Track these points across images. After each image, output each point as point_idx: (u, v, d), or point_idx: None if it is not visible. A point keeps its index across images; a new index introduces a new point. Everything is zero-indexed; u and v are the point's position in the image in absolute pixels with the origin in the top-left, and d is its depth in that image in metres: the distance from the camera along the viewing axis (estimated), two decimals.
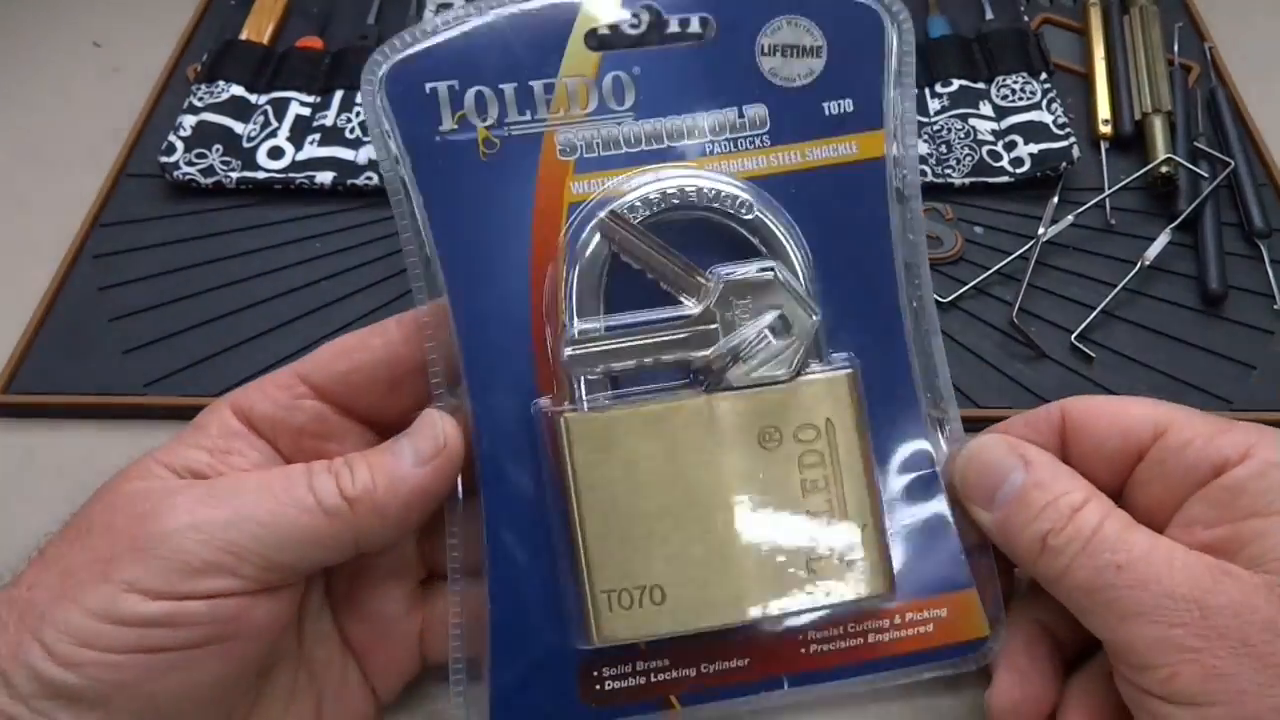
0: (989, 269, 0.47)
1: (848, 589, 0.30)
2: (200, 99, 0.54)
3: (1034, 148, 0.51)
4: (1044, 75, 0.54)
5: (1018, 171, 0.50)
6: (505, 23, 0.30)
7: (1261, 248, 0.48)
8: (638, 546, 0.29)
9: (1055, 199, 0.49)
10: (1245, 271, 0.47)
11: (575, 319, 0.30)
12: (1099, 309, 0.45)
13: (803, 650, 0.32)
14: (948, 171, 0.51)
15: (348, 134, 0.53)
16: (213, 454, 0.30)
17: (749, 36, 0.31)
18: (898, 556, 0.32)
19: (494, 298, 0.31)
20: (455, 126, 0.30)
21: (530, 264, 0.31)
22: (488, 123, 0.30)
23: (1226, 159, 0.50)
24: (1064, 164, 0.50)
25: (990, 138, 0.52)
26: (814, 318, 0.30)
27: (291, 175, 0.51)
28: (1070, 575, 0.28)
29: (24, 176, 0.55)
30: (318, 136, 0.53)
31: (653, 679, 0.31)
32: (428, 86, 0.29)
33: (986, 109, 0.53)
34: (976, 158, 0.51)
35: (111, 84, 0.59)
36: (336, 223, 0.50)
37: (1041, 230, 0.48)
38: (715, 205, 0.31)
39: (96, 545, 0.27)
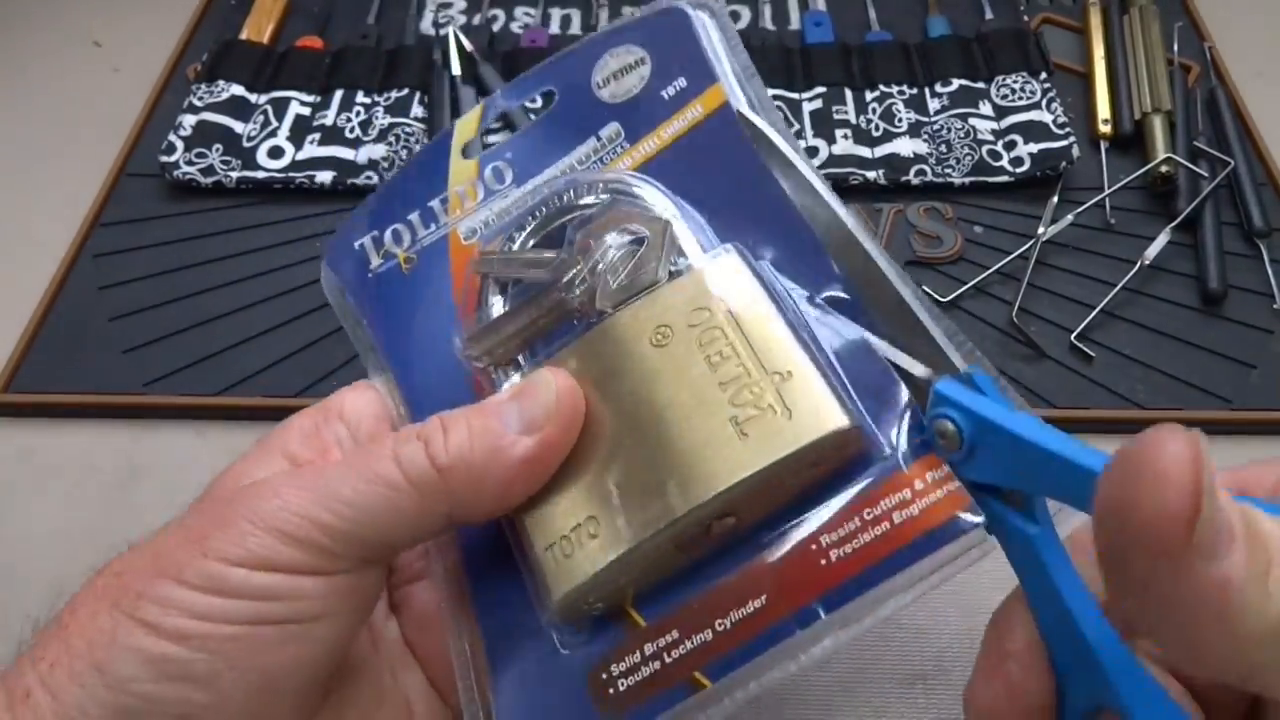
0: (989, 268, 0.47)
1: (789, 438, 0.27)
2: (200, 99, 0.54)
3: (1034, 147, 0.51)
4: (1044, 75, 0.54)
5: (1018, 171, 0.50)
6: (403, 174, 0.37)
7: (1261, 247, 0.48)
8: (562, 491, 0.28)
9: (1055, 198, 0.49)
10: (1245, 271, 0.47)
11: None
12: (1099, 309, 0.45)
13: (823, 562, 0.27)
14: (947, 171, 0.51)
15: (347, 133, 0.53)
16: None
17: (585, 83, 0.35)
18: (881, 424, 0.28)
19: (434, 379, 0.33)
20: (381, 260, 0.35)
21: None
22: (404, 247, 0.35)
23: (1226, 159, 0.50)
24: (1064, 163, 0.50)
25: (990, 137, 0.52)
26: (663, 218, 0.31)
27: (291, 175, 0.51)
28: None
29: (24, 176, 0.55)
30: (318, 136, 0.53)
31: (667, 659, 0.27)
32: (356, 244, 0.35)
33: (986, 109, 0.53)
34: (976, 157, 0.51)
35: (111, 84, 0.60)
36: (336, 222, 0.50)
37: (1041, 230, 0.48)
38: (566, 202, 0.33)
39: (188, 526, 0.25)
